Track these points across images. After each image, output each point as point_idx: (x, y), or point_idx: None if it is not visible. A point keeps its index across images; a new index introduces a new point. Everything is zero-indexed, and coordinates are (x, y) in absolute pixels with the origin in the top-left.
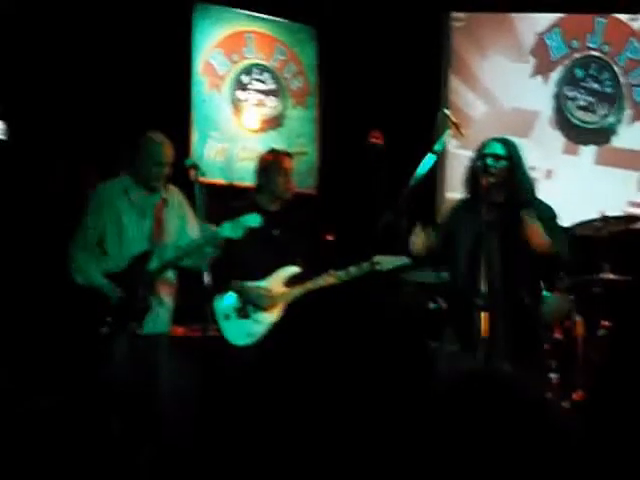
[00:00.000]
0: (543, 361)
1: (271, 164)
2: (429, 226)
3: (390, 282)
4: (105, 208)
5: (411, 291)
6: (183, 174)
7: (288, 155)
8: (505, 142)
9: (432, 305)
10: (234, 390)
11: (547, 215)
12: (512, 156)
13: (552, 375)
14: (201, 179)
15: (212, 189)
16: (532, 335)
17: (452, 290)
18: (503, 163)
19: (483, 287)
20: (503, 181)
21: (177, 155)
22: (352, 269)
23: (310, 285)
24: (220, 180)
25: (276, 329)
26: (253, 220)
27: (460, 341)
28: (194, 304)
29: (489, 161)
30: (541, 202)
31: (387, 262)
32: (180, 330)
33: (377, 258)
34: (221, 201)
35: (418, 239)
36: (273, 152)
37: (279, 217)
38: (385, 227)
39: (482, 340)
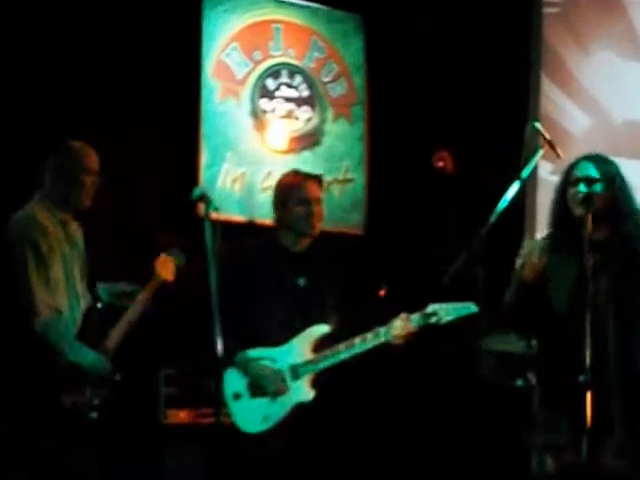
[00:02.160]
0: None
1: (290, 191)
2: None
3: (465, 351)
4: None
5: (492, 363)
6: (189, 208)
7: (315, 179)
8: (598, 159)
9: (519, 382)
10: None
11: None
12: (610, 177)
13: None
14: (213, 215)
15: (227, 228)
16: None
17: (546, 362)
18: (599, 187)
19: (589, 358)
20: (602, 212)
21: (182, 183)
22: (391, 325)
23: (343, 349)
24: (237, 216)
25: (305, 414)
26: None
27: (557, 429)
28: (203, 380)
29: (582, 187)
30: None
31: (446, 311)
32: (184, 415)
33: (432, 307)
34: (249, 242)
35: (531, 259)
36: (293, 174)
37: (305, 261)
38: (455, 278)
39: (587, 429)
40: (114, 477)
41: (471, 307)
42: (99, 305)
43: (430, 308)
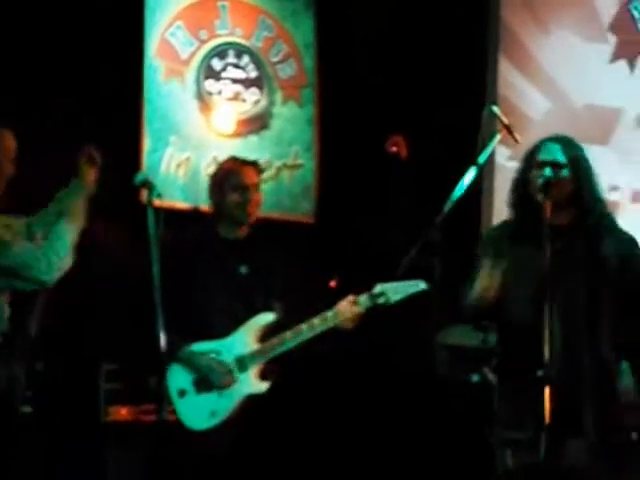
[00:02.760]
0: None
1: (225, 178)
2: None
3: (419, 345)
4: None
5: (447, 358)
6: (131, 195)
7: (251, 165)
8: (564, 142)
9: (475, 377)
10: None
11: (629, 252)
12: (577, 162)
13: None
14: (156, 202)
15: (171, 216)
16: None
17: (506, 356)
18: (565, 173)
19: (547, 352)
20: (567, 198)
21: (123, 169)
22: (337, 308)
23: (290, 337)
24: (182, 203)
25: (254, 404)
26: None
27: (514, 427)
28: (145, 375)
29: (547, 171)
30: (622, 232)
31: (394, 290)
32: (125, 412)
33: (380, 287)
34: (183, 232)
35: (491, 274)
36: (230, 160)
37: (246, 248)
38: (409, 269)
39: (545, 426)
40: (52, 477)
41: (420, 284)
42: None
43: (378, 288)
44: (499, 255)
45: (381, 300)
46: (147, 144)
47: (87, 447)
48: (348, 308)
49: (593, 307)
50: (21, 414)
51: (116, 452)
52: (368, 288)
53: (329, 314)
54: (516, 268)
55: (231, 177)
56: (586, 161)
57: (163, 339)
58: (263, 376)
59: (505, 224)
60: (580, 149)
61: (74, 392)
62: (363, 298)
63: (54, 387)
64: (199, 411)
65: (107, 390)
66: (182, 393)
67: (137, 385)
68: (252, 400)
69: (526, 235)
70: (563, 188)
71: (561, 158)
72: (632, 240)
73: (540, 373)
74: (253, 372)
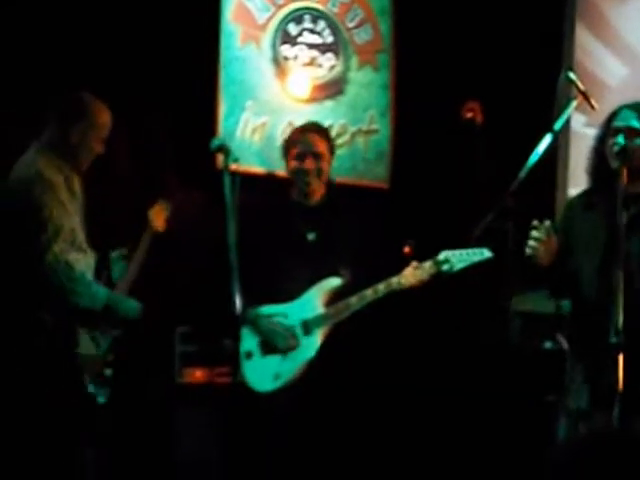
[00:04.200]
0: None
1: (288, 145)
2: (552, 224)
3: (490, 312)
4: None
5: (520, 325)
6: (208, 159)
7: (317, 131)
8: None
9: (549, 344)
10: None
11: None
12: None
13: None
14: (232, 167)
15: (247, 180)
16: None
17: (577, 324)
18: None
19: (621, 318)
20: None
21: (200, 133)
22: (402, 274)
23: (355, 302)
24: (257, 168)
25: (315, 369)
26: None
27: (588, 394)
28: (221, 337)
29: (620, 138)
30: None
31: (459, 258)
32: (200, 374)
33: (444, 254)
34: (257, 197)
35: (541, 243)
36: (299, 127)
37: (317, 214)
38: (485, 234)
39: (619, 393)
40: (128, 440)
41: (485, 252)
42: (112, 272)
43: (442, 255)
44: (568, 226)
45: (445, 267)
46: (223, 109)
47: (162, 408)
48: (412, 274)
49: None
50: (104, 377)
51: (189, 413)
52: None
53: (394, 280)
54: (586, 235)
55: (292, 144)
56: None
57: (238, 302)
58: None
59: (584, 193)
60: None
61: (151, 354)
62: (427, 265)
63: (132, 350)
64: (264, 373)
65: (181, 352)
66: (249, 355)
67: (211, 347)
68: (316, 363)
69: (599, 203)
70: (637, 155)
71: (636, 124)
72: None
73: (614, 340)
74: (318, 336)
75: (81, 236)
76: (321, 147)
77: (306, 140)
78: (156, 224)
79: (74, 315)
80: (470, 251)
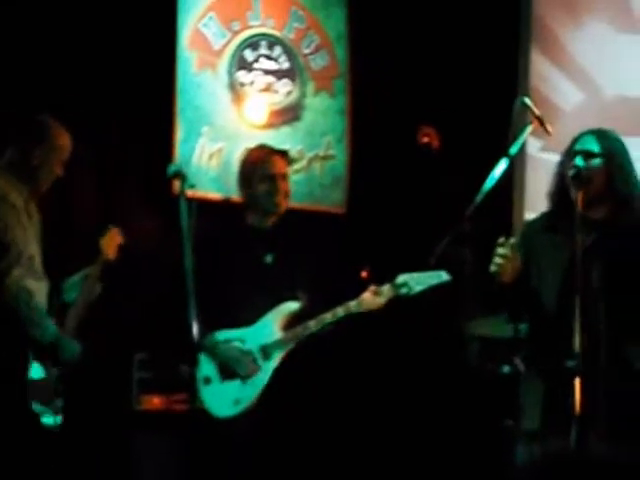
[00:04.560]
0: None
1: (254, 167)
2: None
3: (449, 337)
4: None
5: (478, 349)
6: (164, 186)
7: (281, 154)
8: (600, 134)
9: (506, 369)
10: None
11: None
12: (611, 153)
13: None
14: (189, 193)
15: (203, 206)
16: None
17: (534, 346)
18: (597, 162)
19: (578, 343)
20: (601, 191)
21: (156, 160)
22: (361, 298)
23: (314, 325)
24: (213, 193)
25: (271, 392)
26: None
27: (545, 417)
28: (178, 364)
29: (577, 161)
30: None
31: (417, 281)
32: (157, 401)
33: (402, 277)
34: (213, 222)
35: (506, 260)
36: (259, 149)
37: (273, 238)
38: (442, 258)
39: (575, 416)
40: (84, 465)
41: (442, 275)
42: (64, 300)
43: (400, 278)
44: (528, 245)
45: (403, 290)
46: (180, 135)
47: (119, 435)
48: (371, 298)
49: (618, 305)
50: (54, 405)
51: (147, 441)
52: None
53: (352, 304)
54: (547, 257)
55: (260, 167)
56: (622, 154)
57: (195, 328)
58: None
59: (545, 215)
60: (616, 141)
61: (107, 381)
62: (385, 288)
63: (87, 378)
64: (223, 399)
65: (139, 379)
66: (207, 381)
67: (169, 374)
68: (275, 388)
69: (559, 226)
70: (595, 179)
71: (594, 148)
72: None
73: (571, 364)
74: (277, 361)
75: (38, 263)
76: (286, 169)
77: (273, 162)
78: (107, 252)
79: (27, 342)
80: (428, 274)
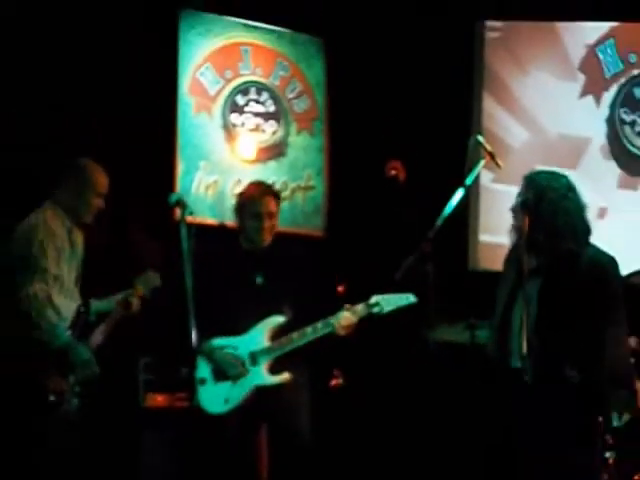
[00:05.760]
0: (597, 438)
1: (246, 203)
2: None
3: (412, 341)
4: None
5: (439, 352)
6: (166, 213)
7: (272, 194)
8: (525, 183)
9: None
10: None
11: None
12: (530, 204)
13: (608, 454)
14: (188, 219)
15: (201, 230)
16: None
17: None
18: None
19: (525, 347)
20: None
21: (160, 190)
22: (337, 315)
23: (296, 337)
24: (210, 219)
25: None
26: None
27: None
28: (179, 366)
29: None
30: (596, 250)
31: (387, 302)
32: (161, 399)
33: (375, 298)
34: (210, 245)
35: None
36: (254, 186)
37: (263, 260)
38: (407, 274)
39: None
40: (96, 458)
41: (410, 298)
42: (89, 318)
43: (373, 299)
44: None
45: (375, 310)
46: (180, 168)
47: (128, 429)
48: (347, 315)
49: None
50: (71, 406)
51: (152, 433)
52: (370, 292)
53: (331, 320)
54: (504, 279)
55: (251, 204)
56: (540, 198)
57: (194, 336)
58: (272, 371)
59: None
60: (541, 189)
61: (117, 382)
62: (360, 307)
63: (99, 381)
64: (215, 398)
65: (145, 380)
66: (202, 382)
67: (171, 375)
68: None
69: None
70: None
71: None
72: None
73: (519, 364)
74: (264, 366)
75: (69, 283)
76: (274, 207)
77: (263, 202)
78: (140, 289)
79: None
80: (398, 296)
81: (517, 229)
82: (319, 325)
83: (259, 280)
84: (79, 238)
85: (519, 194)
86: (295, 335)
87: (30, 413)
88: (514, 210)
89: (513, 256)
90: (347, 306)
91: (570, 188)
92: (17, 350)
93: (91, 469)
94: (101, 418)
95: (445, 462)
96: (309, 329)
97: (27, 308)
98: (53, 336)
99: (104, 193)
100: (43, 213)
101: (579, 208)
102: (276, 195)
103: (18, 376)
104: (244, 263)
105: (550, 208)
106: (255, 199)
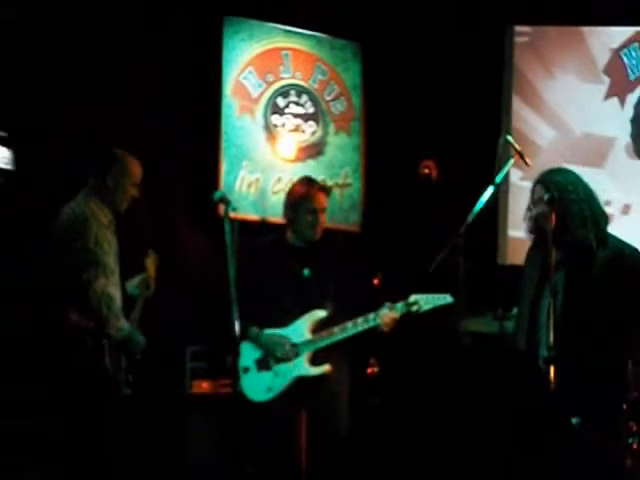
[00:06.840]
0: (621, 423)
1: (302, 199)
2: None
3: (445, 331)
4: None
5: (470, 342)
6: (210, 209)
7: (323, 190)
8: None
9: None
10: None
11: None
12: (553, 201)
13: (631, 440)
14: (231, 215)
15: (243, 226)
16: (604, 394)
17: (516, 342)
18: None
19: (552, 337)
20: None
21: (204, 187)
22: (379, 312)
23: (337, 331)
24: (252, 215)
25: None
26: None
27: None
28: (223, 354)
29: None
30: (619, 241)
31: (425, 301)
32: (206, 385)
33: (414, 297)
34: (256, 239)
35: None
36: (306, 184)
37: (309, 254)
38: (439, 267)
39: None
40: (145, 443)
41: (447, 298)
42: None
43: (412, 298)
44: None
45: (414, 308)
46: (224, 167)
47: (175, 413)
48: (387, 312)
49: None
50: (123, 395)
51: (198, 418)
52: (405, 287)
53: (371, 316)
54: (526, 273)
55: (306, 200)
56: (562, 195)
57: (237, 326)
58: (313, 362)
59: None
60: (562, 186)
61: (166, 369)
62: (399, 305)
63: (149, 369)
64: (258, 386)
65: (191, 367)
66: (246, 370)
67: (216, 363)
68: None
69: (539, 247)
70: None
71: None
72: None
73: (545, 354)
74: (305, 358)
75: (117, 273)
76: (326, 203)
77: (318, 198)
78: (150, 269)
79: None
80: (436, 296)
81: (534, 220)
82: (359, 320)
83: (306, 273)
84: (113, 226)
85: (536, 192)
86: (336, 329)
87: (97, 399)
88: (535, 204)
89: (533, 252)
90: (388, 304)
91: (581, 181)
92: (85, 341)
93: (140, 453)
94: (150, 404)
95: (476, 450)
96: (350, 324)
97: (96, 305)
98: (119, 329)
99: (139, 183)
100: (86, 204)
101: (596, 199)
102: (327, 192)
103: (88, 367)
104: (291, 257)
105: (575, 203)
106: (310, 195)
